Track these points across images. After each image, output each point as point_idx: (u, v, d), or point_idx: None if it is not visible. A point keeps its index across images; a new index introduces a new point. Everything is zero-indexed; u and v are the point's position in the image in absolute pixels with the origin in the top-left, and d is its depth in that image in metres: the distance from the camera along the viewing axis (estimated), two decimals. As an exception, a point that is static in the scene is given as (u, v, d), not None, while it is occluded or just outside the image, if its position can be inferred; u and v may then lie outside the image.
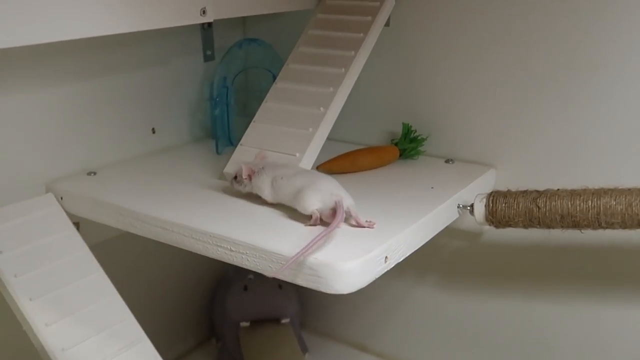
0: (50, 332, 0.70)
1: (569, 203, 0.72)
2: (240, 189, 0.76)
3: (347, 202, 0.68)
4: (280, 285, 1.06)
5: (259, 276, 1.05)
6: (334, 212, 0.67)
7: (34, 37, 0.61)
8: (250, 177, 0.75)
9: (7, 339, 0.79)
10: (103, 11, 0.66)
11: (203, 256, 0.72)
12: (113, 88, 0.90)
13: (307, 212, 0.69)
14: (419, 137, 0.93)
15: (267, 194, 0.73)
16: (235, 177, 0.76)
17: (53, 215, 0.80)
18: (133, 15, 0.69)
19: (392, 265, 0.67)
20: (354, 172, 0.87)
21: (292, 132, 0.81)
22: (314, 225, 0.68)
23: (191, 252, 0.72)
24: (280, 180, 0.72)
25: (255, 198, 0.75)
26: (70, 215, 0.81)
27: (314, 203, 0.68)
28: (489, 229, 0.92)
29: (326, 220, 0.68)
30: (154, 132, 0.97)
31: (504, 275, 0.97)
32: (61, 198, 0.81)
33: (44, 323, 0.70)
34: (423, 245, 0.74)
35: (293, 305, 1.06)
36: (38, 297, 0.72)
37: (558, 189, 0.74)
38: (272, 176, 0.73)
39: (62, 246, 0.78)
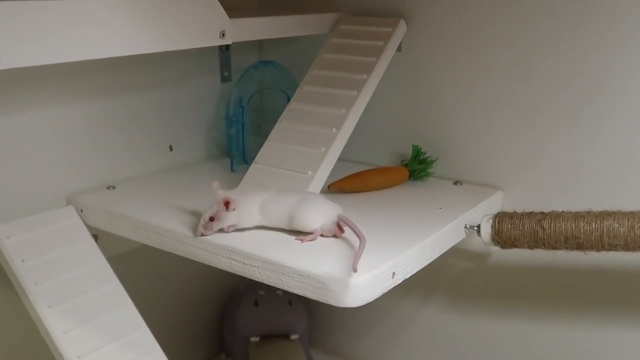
0: (68, 339, 0.73)
1: (573, 225, 0.74)
2: (214, 228, 0.71)
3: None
4: (290, 301, 1.08)
5: (269, 292, 1.08)
6: (337, 226, 0.70)
7: (60, 56, 0.64)
8: (227, 207, 0.71)
9: (26, 345, 0.82)
10: (128, 33, 0.69)
11: (215, 272, 0.74)
12: (133, 106, 0.93)
13: (311, 229, 0.71)
14: (429, 159, 0.95)
15: (255, 220, 0.73)
16: (212, 219, 0.71)
17: (73, 227, 0.83)
18: (156, 36, 0.72)
19: (400, 281, 0.69)
20: (364, 191, 0.90)
21: (304, 151, 0.84)
22: (312, 240, 0.71)
23: (203, 268, 0.74)
24: (268, 204, 0.72)
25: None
26: (89, 228, 0.84)
27: (316, 220, 0.70)
28: (495, 250, 0.94)
29: (326, 234, 0.71)
30: (171, 150, 1.00)
31: (510, 297, 0.98)
32: (81, 210, 0.84)
33: (62, 330, 0.73)
34: (430, 265, 0.76)
35: (302, 321, 1.08)
36: (57, 305, 0.74)
37: (562, 211, 0.76)
38: (259, 202, 0.72)
39: (80, 257, 0.80)
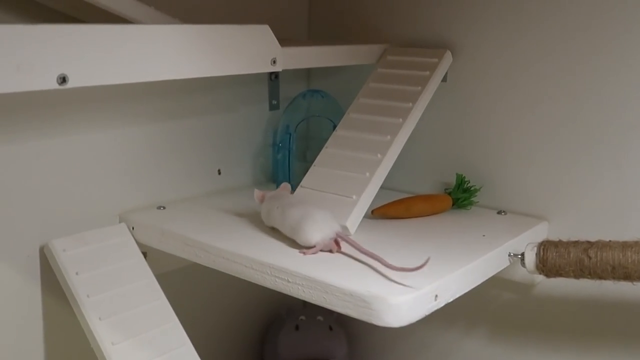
0: (116, 350, 0.75)
1: (621, 254, 0.73)
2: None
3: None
4: (330, 326, 1.08)
5: (310, 317, 1.09)
6: (334, 242, 0.75)
7: (123, 77, 0.68)
8: (261, 200, 0.84)
9: (76, 355, 0.84)
10: (187, 57, 0.73)
11: (258, 294, 0.76)
12: (186, 130, 0.97)
13: (310, 244, 0.75)
14: (472, 188, 0.95)
15: (263, 219, 0.83)
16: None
17: (124, 244, 0.86)
18: (213, 62, 0.75)
19: (442, 304, 0.69)
20: (408, 217, 0.90)
21: (349, 175, 0.86)
22: (314, 254, 0.75)
23: (247, 291, 0.76)
24: (275, 210, 0.80)
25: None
26: (140, 245, 0.87)
27: (314, 236, 0.75)
28: (540, 281, 0.93)
29: (324, 249, 0.75)
30: (219, 173, 1.03)
31: (555, 330, 0.96)
32: (132, 228, 0.87)
33: (111, 342, 0.75)
34: (472, 296, 0.76)
35: (342, 347, 1.08)
36: (107, 318, 0.77)
37: (610, 240, 0.75)
38: (270, 206, 0.81)
39: (130, 272, 0.83)
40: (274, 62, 0.83)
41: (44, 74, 0.60)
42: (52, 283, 0.81)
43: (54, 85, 0.61)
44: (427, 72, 0.93)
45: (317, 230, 0.75)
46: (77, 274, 0.79)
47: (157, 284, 0.84)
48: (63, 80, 0.61)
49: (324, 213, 0.76)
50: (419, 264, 0.68)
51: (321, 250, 0.75)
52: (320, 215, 0.76)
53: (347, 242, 0.74)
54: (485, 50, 0.95)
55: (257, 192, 0.85)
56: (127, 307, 0.79)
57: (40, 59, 0.59)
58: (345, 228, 0.81)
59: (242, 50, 0.79)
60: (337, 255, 0.75)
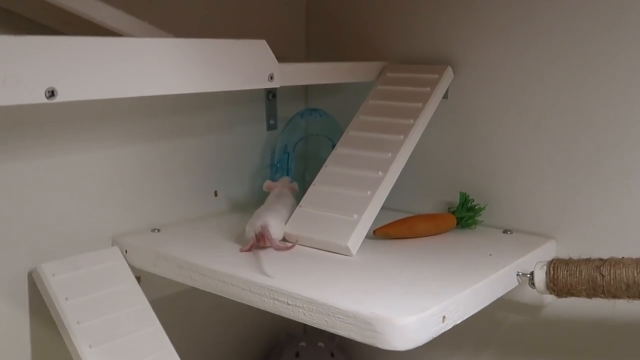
0: (107, 379, 0.71)
1: (635, 272, 0.70)
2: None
3: (270, 224, 0.79)
4: (332, 353, 1.04)
5: (311, 343, 1.05)
6: (262, 235, 0.78)
7: (115, 92, 0.65)
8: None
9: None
10: (182, 72, 0.71)
11: (256, 320, 0.73)
12: (181, 151, 0.95)
13: (247, 238, 0.80)
14: (477, 207, 0.93)
15: None
16: None
17: (117, 268, 0.83)
18: (208, 77, 0.73)
19: (450, 327, 0.66)
20: (411, 237, 0.87)
21: (350, 194, 0.83)
22: (249, 250, 0.79)
23: (245, 316, 0.73)
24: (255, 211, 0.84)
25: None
26: (133, 269, 0.83)
27: (249, 231, 0.80)
28: (549, 302, 0.89)
29: (258, 243, 0.79)
30: (216, 195, 1.01)
31: (567, 354, 0.92)
32: (125, 251, 0.84)
33: (101, 371, 0.71)
34: (480, 319, 0.73)
35: (344, 374, 1.04)
36: (98, 345, 0.73)
37: (623, 257, 0.72)
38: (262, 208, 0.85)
39: (123, 298, 0.80)
40: (272, 78, 0.81)
41: (32, 88, 0.57)
42: (40, 309, 0.78)
43: (42, 99, 0.58)
44: (428, 88, 0.91)
45: (250, 225, 0.80)
46: (66, 299, 0.75)
47: (151, 309, 0.80)
48: (52, 94, 0.59)
49: (262, 209, 0.82)
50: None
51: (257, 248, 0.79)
52: (257, 211, 0.81)
53: (264, 235, 0.77)
54: (486, 66, 0.93)
55: (267, 183, 0.90)
56: (120, 334, 0.76)
57: (28, 72, 0.57)
58: (346, 249, 0.78)
59: (239, 66, 0.77)
60: (339, 276, 0.72)
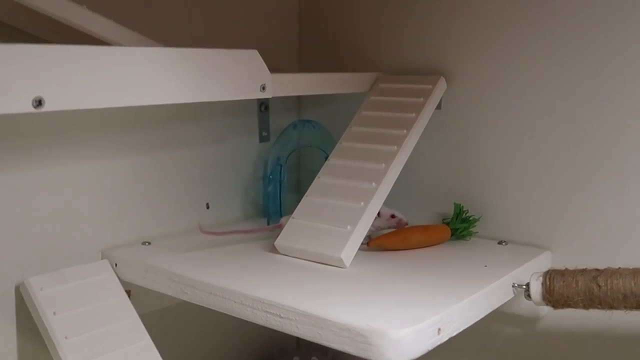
0: (95, 396, 0.70)
1: (632, 282, 0.69)
2: None
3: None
4: (325, 368, 1.03)
5: (304, 358, 1.04)
6: None
7: (104, 101, 0.64)
8: None
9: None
10: (172, 82, 0.70)
11: (248, 334, 0.71)
12: (172, 163, 0.93)
13: None
14: (471, 218, 0.92)
15: None
16: None
17: (107, 281, 0.81)
18: (199, 87, 0.72)
19: (446, 339, 0.65)
20: (405, 249, 0.86)
21: (344, 205, 0.82)
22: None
23: (236, 331, 0.72)
24: None
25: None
26: (123, 282, 0.82)
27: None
28: (545, 313, 0.88)
29: None
30: (208, 208, 0.99)
31: (563, 366, 0.92)
32: (115, 265, 0.83)
33: (90, 387, 0.70)
34: (476, 331, 0.72)
35: (338, 389, 1.02)
36: (86, 361, 0.72)
37: (619, 267, 0.71)
38: None
39: (113, 312, 0.78)
40: (264, 88, 0.80)
41: (19, 97, 0.56)
42: (28, 324, 0.76)
43: (29, 108, 0.57)
44: (421, 99, 0.91)
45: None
46: (54, 313, 0.74)
47: (141, 324, 0.79)
48: (39, 103, 0.58)
49: None
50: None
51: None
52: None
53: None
54: (480, 76, 0.93)
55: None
56: (109, 349, 0.74)
57: (14, 81, 0.56)
58: (340, 260, 0.77)
59: (230, 76, 0.76)
60: (332, 288, 0.71)
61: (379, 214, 0.86)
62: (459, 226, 0.91)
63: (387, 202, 0.85)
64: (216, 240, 0.90)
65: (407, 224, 0.90)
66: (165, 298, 0.79)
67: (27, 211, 0.78)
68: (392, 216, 0.89)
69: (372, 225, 0.86)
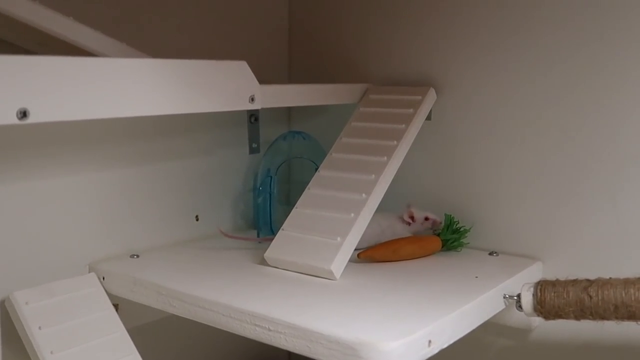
0: (81, 412, 0.68)
1: (623, 292, 0.69)
2: None
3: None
4: (317, 382, 1.01)
5: (295, 372, 1.03)
6: None
7: (90, 113, 0.64)
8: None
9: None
10: (160, 93, 0.69)
11: (238, 350, 0.70)
12: (161, 175, 0.93)
13: None
14: (462, 229, 0.92)
15: None
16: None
17: (94, 295, 0.80)
18: (188, 98, 0.72)
19: (436, 351, 0.64)
20: (396, 260, 0.86)
21: (333, 216, 0.82)
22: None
23: (225, 344, 0.71)
24: None
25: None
26: (111, 296, 0.81)
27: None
28: (537, 325, 0.88)
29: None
30: (197, 220, 0.99)
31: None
32: (103, 278, 0.82)
33: (76, 403, 0.69)
34: (467, 344, 0.71)
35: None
36: (72, 376, 0.71)
37: (610, 278, 0.71)
38: None
39: (100, 326, 0.77)
40: (252, 99, 0.80)
41: (2, 108, 0.56)
42: (13, 339, 0.75)
43: (13, 120, 0.56)
44: (411, 110, 0.91)
45: None
46: (40, 328, 0.73)
47: (129, 338, 0.78)
48: (24, 115, 0.57)
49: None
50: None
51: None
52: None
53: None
54: (469, 87, 0.93)
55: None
56: (95, 363, 0.73)
57: (-2, 92, 0.55)
58: (330, 272, 0.77)
59: (219, 87, 0.75)
60: (322, 300, 0.71)
61: (412, 218, 0.88)
62: (449, 237, 0.91)
63: (378, 214, 0.84)
64: (205, 253, 0.89)
65: (441, 223, 0.90)
66: (153, 312, 0.78)
67: (12, 224, 0.77)
68: (426, 218, 0.90)
69: (409, 232, 0.87)
